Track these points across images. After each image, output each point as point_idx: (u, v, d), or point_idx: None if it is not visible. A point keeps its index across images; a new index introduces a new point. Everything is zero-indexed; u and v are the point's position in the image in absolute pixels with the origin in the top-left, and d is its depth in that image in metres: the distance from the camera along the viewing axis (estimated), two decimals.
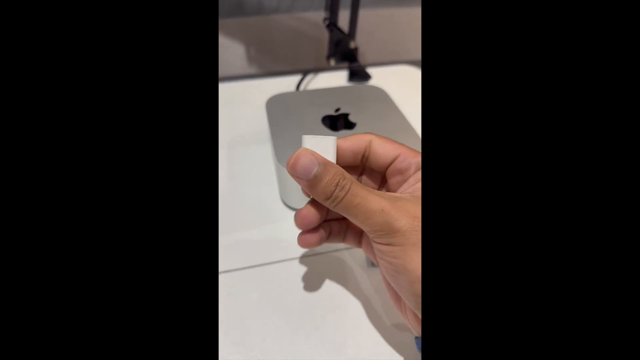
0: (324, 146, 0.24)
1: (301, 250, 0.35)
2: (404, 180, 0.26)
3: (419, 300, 0.21)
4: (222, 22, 0.67)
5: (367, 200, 0.22)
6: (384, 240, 0.22)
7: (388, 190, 0.28)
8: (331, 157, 0.24)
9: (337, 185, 0.23)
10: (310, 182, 0.23)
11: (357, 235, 0.29)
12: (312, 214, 0.26)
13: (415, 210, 0.22)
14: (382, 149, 0.26)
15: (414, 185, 0.25)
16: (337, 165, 0.24)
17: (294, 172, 0.23)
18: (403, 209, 0.22)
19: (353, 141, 0.26)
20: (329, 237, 0.28)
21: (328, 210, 0.26)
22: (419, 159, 0.25)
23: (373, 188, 0.27)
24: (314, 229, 0.27)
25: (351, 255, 0.34)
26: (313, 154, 0.23)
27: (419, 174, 0.25)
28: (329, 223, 0.28)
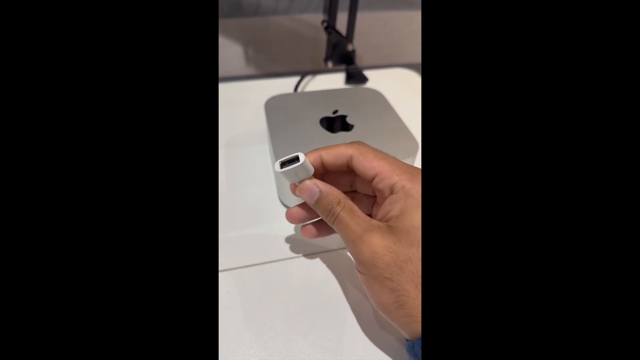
0: (298, 166, 0.25)
1: (300, 250, 0.35)
2: (383, 199, 0.26)
3: (384, 321, 0.25)
4: (220, 23, 0.68)
5: (346, 229, 0.25)
6: (356, 266, 0.25)
7: (378, 202, 0.28)
8: (309, 169, 0.26)
9: (329, 212, 0.26)
10: (314, 205, 0.27)
11: None
12: (297, 212, 0.30)
13: (379, 242, 0.23)
14: (361, 168, 0.26)
15: (389, 213, 0.25)
16: (335, 192, 0.26)
17: (301, 196, 0.27)
18: (367, 242, 0.24)
19: (333, 156, 0.27)
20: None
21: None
22: (393, 179, 0.25)
23: (365, 197, 0.30)
24: (313, 224, 0.30)
25: (350, 254, 0.35)
26: (315, 183, 0.27)
27: (391, 198, 0.25)
28: None
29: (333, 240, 0.35)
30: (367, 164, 0.26)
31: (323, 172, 0.28)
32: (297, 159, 0.25)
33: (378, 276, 0.23)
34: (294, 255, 0.34)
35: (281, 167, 0.25)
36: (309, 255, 0.35)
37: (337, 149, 0.27)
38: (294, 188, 0.28)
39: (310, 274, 0.33)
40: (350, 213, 0.25)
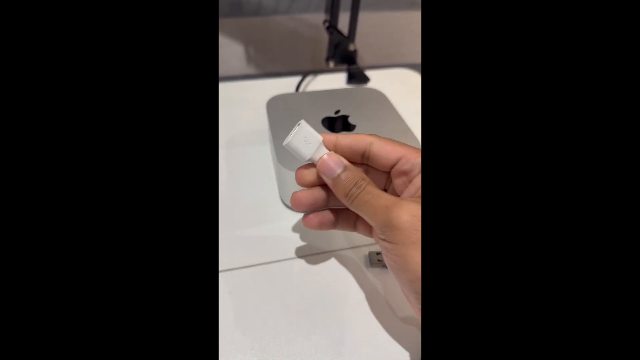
0: (313, 141, 0.26)
1: (300, 250, 0.35)
2: (409, 181, 0.27)
3: (419, 297, 0.22)
4: (220, 22, 0.68)
5: (375, 197, 0.24)
6: (386, 236, 0.23)
7: (394, 191, 0.28)
8: (317, 136, 0.27)
9: (355, 184, 0.25)
10: (334, 180, 0.26)
11: (368, 225, 0.29)
12: (305, 197, 0.28)
13: (417, 209, 0.23)
14: (384, 152, 0.27)
15: (417, 192, 0.25)
16: (358, 169, 0.26)
17: (322, 171, 0.27)
18: (405, 207, 0.23)
19: (352, 140, 0.27)
20: (338, 224, 0.29)
21: (330, 198, 0.29)
22: (420, 159, 0.26)
23: (378, 187, 0.29)
24: (317, 213, 0.29)
25: (351, 255, 0.35)
26: (340, 157, 0.26)
27: (420, 178, 0.25)
28: (337, 211, 0.29)
29: (333, 241, 0.35)
30: (390, 148, 0.26)
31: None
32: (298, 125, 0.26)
33: (417, 240, 0.22)
34: (294, 255, 0.34)
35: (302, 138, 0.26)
36: (310, 255, 0.34)
37: (355, 135, 0.27)
38: (302, 174, 0.28)
39: (310, 274, 0.33)
40: (374, 190, 0.25)
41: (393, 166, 0.27)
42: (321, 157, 0.27)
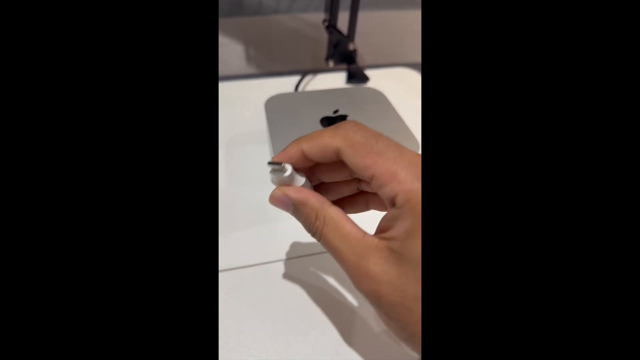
0: (283, 176, 0.23)
1: (300, 250, 0.35)
2: (384, 207, 0.21)
3: (419, 349, 0.20)
4: (220, 22, 0.68)
5: (335, 254, 0.21)
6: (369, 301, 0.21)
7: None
8: (299, 181, 0.23)
9: (309, 228, 0.22)
10: (295, 217, 0.23)
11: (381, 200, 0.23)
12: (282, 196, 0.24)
13: (380, 276, 0.19)
14: (353, 165, 0.21)
15: (391, 230, 0.20)
16: (312, 201, 0.22)
17: (276, 206, 0.23)
18: (366, 273, 0.20)
19: (317, 150, 0.22)
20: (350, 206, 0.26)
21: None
22: (394, 189, 0.19)
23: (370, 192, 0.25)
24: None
25: None
26: (286, 192, 0.22)
27: (393, 213, 0.20)
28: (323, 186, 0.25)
29: None
30: (360, 161, 0.20)
31: (313, 165, 0.23)
32: (283, 169, 0.23)
33: (383, 314, 0.20)
34: (294, 255, 0.34)
35: (269, 167, 0.23)
36: (309, 255, 0.34)
37: (321, 140, 0.21)
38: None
39: (310, 274, 0.33)
40: (335, 230, 0.21)
41: (369, 181, 0.21)
42: (271, 193, 0.23)
